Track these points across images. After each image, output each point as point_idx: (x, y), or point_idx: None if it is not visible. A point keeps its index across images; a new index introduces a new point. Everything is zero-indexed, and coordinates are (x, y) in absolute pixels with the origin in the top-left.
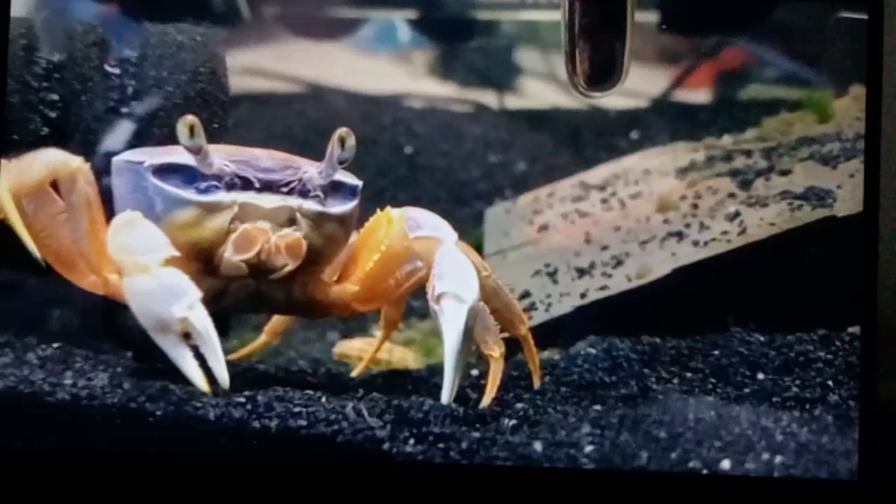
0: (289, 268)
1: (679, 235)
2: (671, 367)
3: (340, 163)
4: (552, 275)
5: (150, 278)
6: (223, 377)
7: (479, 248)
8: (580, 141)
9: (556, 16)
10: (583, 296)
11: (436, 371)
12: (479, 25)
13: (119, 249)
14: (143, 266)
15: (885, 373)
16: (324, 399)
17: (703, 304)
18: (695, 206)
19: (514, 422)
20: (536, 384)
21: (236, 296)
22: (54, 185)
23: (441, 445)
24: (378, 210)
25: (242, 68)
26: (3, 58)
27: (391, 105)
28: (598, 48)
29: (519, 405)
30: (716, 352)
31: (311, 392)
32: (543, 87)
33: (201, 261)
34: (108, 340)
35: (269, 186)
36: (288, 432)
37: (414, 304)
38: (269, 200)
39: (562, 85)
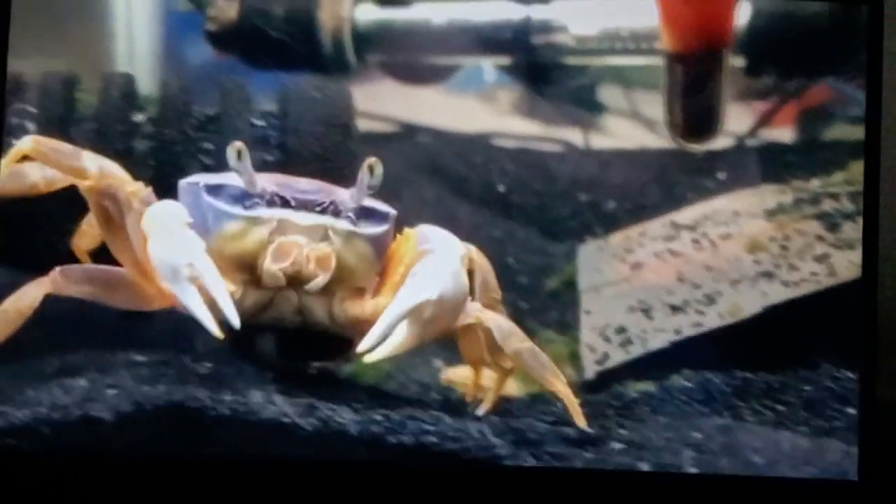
0: (321, 279)
1: (769, 275)
2: (763, 399)
3: (369, 188)
4: (646, 311)
5: (166, 235)
6: (232, 316)
7: (571, 284)
8: (667, 181)
9: (640, 60)
10: (677, 332)
11: (538, 399)
12: (565, 68)
13: (147, 220)
14: (163, 227)
15: (885, 373)
16: (448, 419)
17: (794, 341)
18: (784, 248)
19: (621, 445)
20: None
21: (281, 308)
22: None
23: (557, 464)
24: None
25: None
26: (2, 60)
27: (482, 144)
28: (696, 103)
29: (622, 431)
30: (807, 387)
31: (436, 412)
32: (627, 126)
33: (246, 271)
34: (250, 362)
35: (304, 206)
36: (421, 448)
37: None
38: (304, 218)
39: (645, 124)
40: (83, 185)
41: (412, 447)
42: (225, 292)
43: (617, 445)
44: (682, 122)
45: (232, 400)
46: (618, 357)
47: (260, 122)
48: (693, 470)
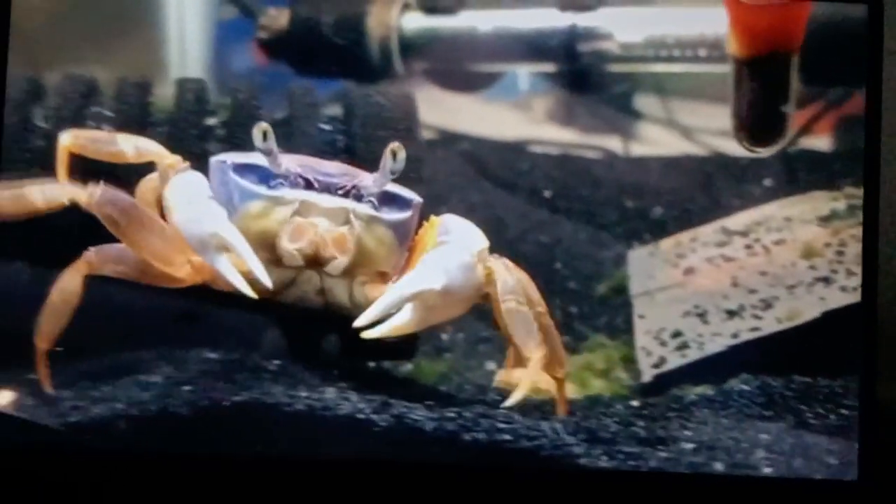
0: (340, 261)
1: (826, 281)
2: (826, 404)
3: (392, 173)
4: (702, 316)
5: (187, 205)
6: (264, 277)
7: (621, 289)
8: (713, 187)
9: (685, 67)
10: (734, 336)
11: (595, 402)
12: (608, 75)
13: (169, 192)
14: (184, 198)
15: (885, 373)
16: (520, 417)
17: (854, 345)
18: (840, 254)
19: (693, 445)
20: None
21: (303, 287)
22: None
23: (631, 463)
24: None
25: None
26: (3, 58)
27: (525, 151)
28: (763, 108)
29: (687, 432)
30: None
31: (507, 411)
32: (664, 133)
33: (268, 250)
34: (315, 360)
35: (327, 189)
36: (495, 445)
37: (564, 341)
38: (326, 200)
39: (682, 132)
40: (83, 201)
41: (487, 445)
42: (254, 256)
43: (688, 446)
44: (750, 126)
45: (306, 396)
46: (675, 361)
47: (327, 127)
48: (768, 471)
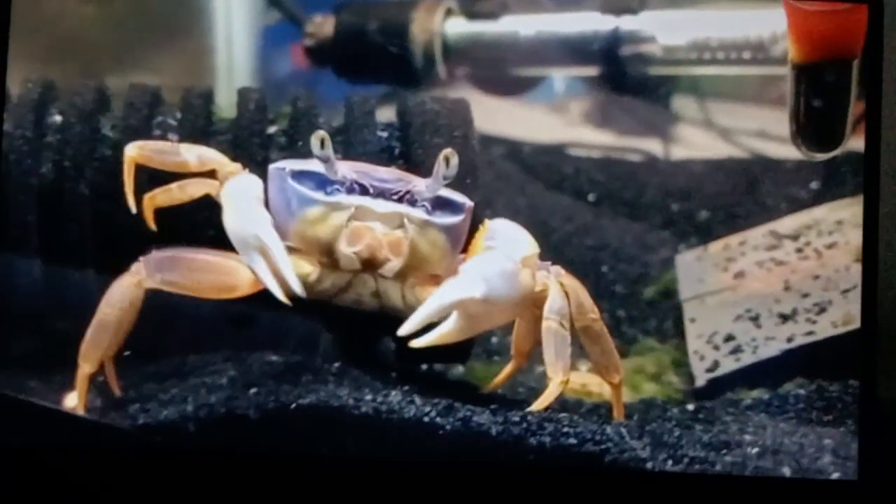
0: (395, 263)
1: None
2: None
3: (445, 178)
4: (755, 319)
5: (236, 208)
6: (293, 280)
7: (669, 293)
8: (758, 191)
9: (729, 70)
10: (790, 340)
11: (650, 405)
12: (651, 78)
13: (223, 194)
14: (235, 200)
15: (885, 373)
16: (583, 421)
17: None
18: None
19: (756, 449)
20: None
21: (359, 290)
22: None
23: (697, 467)
24: None
25: None
26: (3, 57)
27: (567, 154)
28: (822, 113)
29: (748, 436)
30: None
31: (569, 415)
32: (706, 136)
33: (325, 254)
34: (373, 362)
35: (382, 194)
36: (560, 449)
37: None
38: (381, 206)
39: (725, 134)
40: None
41: (552, 448)
42: (287, 262)
43: (753, 450)
44: (809, 132)
45: (371, 399)
46: (728, 365)
47: (383, 134)
48: (836, 475)
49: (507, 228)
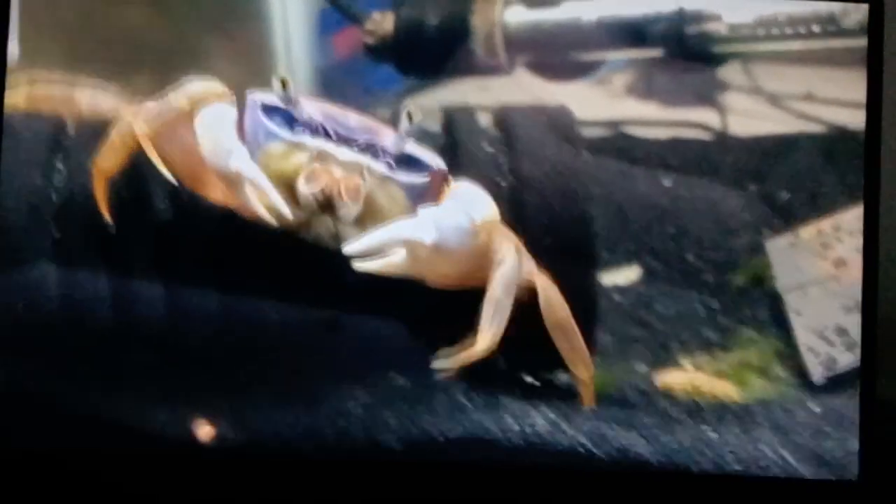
0: (350, 209)
1: None
2: None
3: (407, 135)
4: None
5: (218, 144)
6: (283, 208)
7: (761, 280)
8: (838, 168)
9: (796, 45)
10: None
11: (765, 403)
12: (712, 57)
13: (198, 123)
14: (210, 130)
15: (885, 373)
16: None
17: None
18: None
19: None
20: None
21: (318, 230)
22: None
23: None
24: None
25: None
26: (2, 57)
27: (637, 137)
28: None
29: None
30: None
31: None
32: (775, 111)
33: (285, 189)
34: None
35: (346, 142)
36: (725, 478)
37: (711, 337)
38: (343, 153)
39: (788, 109)
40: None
41: (716, 475)
42: (274, 191)
43: None
44: None
45: (513, 421)
46: (846, 360)
47: (489, 149)
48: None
49: (468, 190)
